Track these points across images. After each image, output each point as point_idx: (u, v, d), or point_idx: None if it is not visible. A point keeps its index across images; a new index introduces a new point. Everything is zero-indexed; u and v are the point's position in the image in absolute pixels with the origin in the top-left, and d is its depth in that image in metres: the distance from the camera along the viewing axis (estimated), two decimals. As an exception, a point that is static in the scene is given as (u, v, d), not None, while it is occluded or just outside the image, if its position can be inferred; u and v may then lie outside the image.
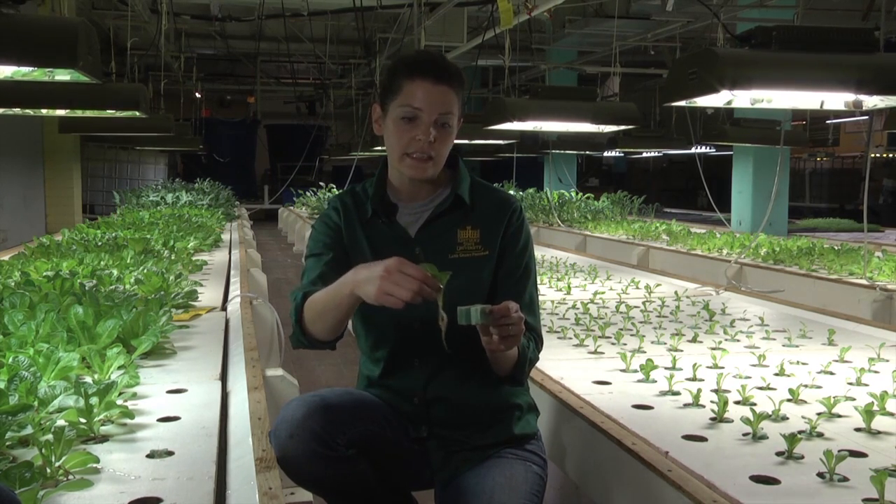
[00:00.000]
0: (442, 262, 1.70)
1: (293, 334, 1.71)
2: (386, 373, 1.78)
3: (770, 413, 1.88)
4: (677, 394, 2.10)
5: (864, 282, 4.16)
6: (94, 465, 1.46)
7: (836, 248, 5.53)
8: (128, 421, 1.71)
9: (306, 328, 1.67)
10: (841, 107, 2.77)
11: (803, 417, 1.89)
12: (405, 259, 1.47)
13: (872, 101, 2.65)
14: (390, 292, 1.45)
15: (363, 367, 1.86)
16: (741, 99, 2.72)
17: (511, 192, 6.69)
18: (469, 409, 1.74)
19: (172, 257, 4.24)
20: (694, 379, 2.24)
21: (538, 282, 1.94)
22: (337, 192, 11.14)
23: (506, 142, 8.21)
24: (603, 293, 3.78)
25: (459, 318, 1.47)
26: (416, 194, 1.79)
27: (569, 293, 3.82)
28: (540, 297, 1.92)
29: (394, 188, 1.81)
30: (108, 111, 3.88)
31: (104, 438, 1.63)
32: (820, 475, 1.56)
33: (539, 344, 1.76)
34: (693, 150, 8.50)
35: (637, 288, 3.97)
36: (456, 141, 1.76)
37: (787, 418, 1.90)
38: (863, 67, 2.46)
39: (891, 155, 16.28)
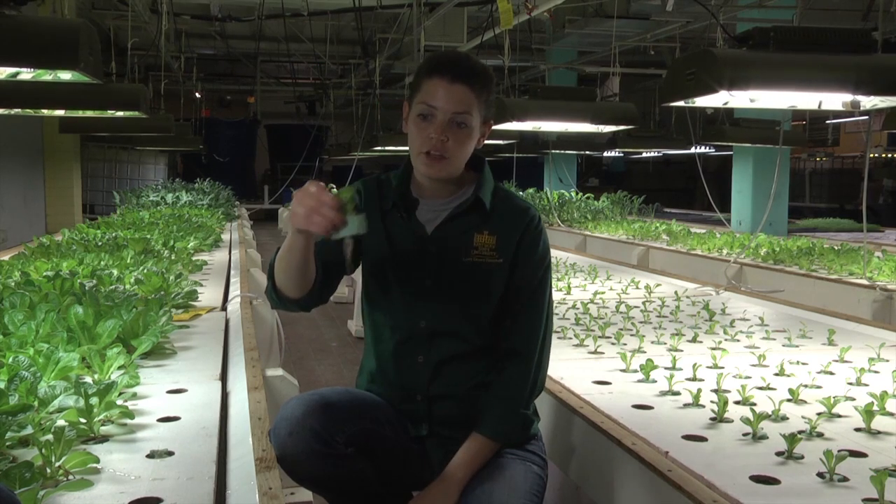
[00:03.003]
0: (455, 264, 1.72)
1: (266, 291, 1.77)
2: (390, 368, 1.79)
3: (770, 413, 1.88)
4: (677, 394, 2.10)
5: (864, 282, 4.16)
6: (94, 465, 1.46)
7: (835, 248, 5.53)
8: (128, 421, 1.71)
9: (277, 286, 1.71)
10: (839, 107, 2.77)
11: (803, 417, 1.89)
12: (320, 184, 1.53)
13: (870, 102, 2.65)
14: (295, 211, 1.51)
15: (366, 361, 1.86)
16: (739, 99, 2.72)
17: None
18: (471, 408, 1.74)
19: (172, 257, 4.24)
20: (694, 379, 2.24)
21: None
22: (336, 192, 11.11)
23: (506, 142, 8.21)
24: (603, 293, 3.78)
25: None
26: (437, 192, 1.78)
27: (569, 293, 3.82)
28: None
29: (417, 184, 1.80)
30: (109, 111, 3.89)
31: (104, 438, 1.63)
32: (820, 475, 1.56)
33: (534, 388, 1.76)
34: (693, 150, 8.50)
35: (637, 288, 3.97)
36: None
37: (787, 418, 1.90)
38: (861, 68, 2.46)
39: (890, 155, 16.27)
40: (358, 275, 1.87)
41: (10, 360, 1.82)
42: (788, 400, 2.03)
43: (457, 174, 1.74)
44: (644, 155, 15.52)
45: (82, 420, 1.63)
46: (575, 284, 4.08)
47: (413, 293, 1.74)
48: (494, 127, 4.74)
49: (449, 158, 1.69)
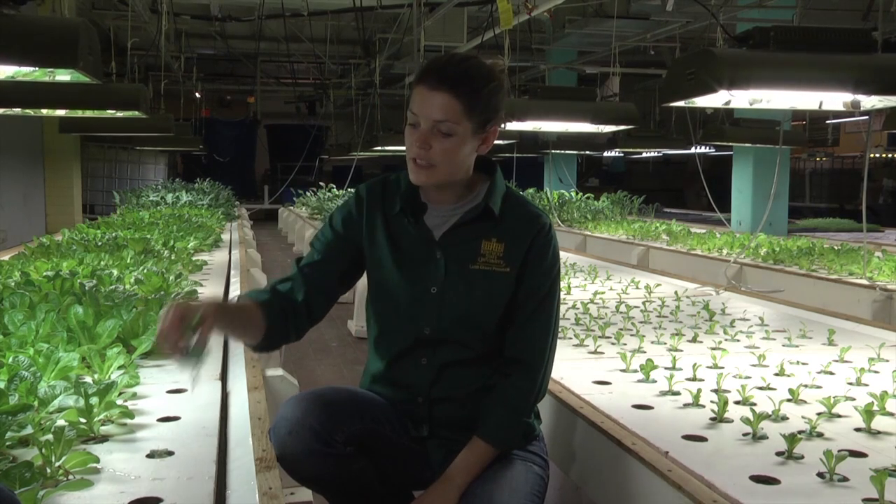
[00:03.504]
0: (462, 271, 1.70)
1: None
2: (393, 369, 1.78)
3: (770, 413, 1.88)
4: (677, 394, 2.10)
5: (864, 282, 4.16)
6: (94, 465, 1.46)
7: (835, 248, 5.53)
8: (128, 421, 1.71)
9: None
10: (839, 107, 2.77)
11: (803, 417, 1.89)
12: (191, 306, 1.45)
13: (871, 102, 2.65)
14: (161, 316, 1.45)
15: (370, 362, 1.85)
16: (739, 99, 2.72)
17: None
18: (472, 410, 1.74)
19: (172, 257, 4.24)
20: (694, 379, 2.24)
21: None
22: (336, 192, 10.86)
23: (506, 142, 8.21)
24: (603, 293, 3.78)
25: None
26: (443, 198, 1.75)
27: (569, 293, 3.82)
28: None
29: (424, 188, 1.76)
30: (109, 111, 3.89)
31: (104, 438, 1.63)
32: (820, 475, 1.56)
33: (537, 396, 1.75)
34: (693, 150, 8.50)
35: (637, 288, 3.97)
36: None
37: (787, 418, 1.90)
38: (861, 67, 2.46)
39: (890, 155, 16.27)
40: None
41: (10, 360, 1.82)
42: (788, 400, 2.03)
43: (451, 180, 1.70)
44: (644, 155, 15.52)
45: (82, 420, 1.63)
46: (575, 284, 4.08)
47: (418, 299, 1.72)
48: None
49: (436, 166, 1.64)
